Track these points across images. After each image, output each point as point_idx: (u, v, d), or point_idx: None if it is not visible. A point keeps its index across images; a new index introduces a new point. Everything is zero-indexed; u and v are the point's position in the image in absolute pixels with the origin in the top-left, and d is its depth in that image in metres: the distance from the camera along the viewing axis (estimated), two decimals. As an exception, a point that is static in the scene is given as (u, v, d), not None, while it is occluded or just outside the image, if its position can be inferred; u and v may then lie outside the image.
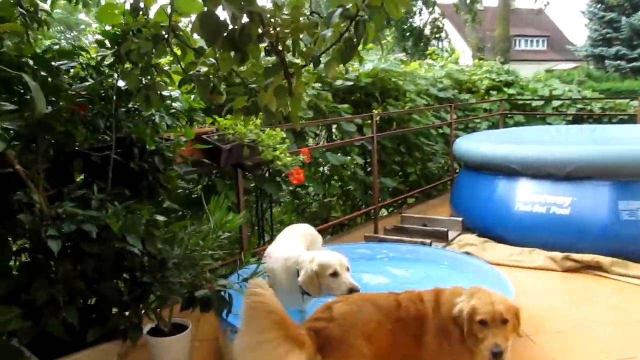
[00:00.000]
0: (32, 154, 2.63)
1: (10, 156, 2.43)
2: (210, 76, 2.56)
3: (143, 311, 2.98)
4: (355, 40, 1.82)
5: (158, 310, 3.04)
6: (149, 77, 2.68)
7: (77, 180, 3.22)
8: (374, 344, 2.43)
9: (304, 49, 1.97)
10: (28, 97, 2.41)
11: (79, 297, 2.89)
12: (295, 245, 3.74)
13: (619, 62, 35.93)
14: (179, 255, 2.92)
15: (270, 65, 2.02)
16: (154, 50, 2.49)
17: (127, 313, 2.97)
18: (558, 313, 4.10)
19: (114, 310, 2.96)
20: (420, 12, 29.25)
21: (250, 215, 7.19)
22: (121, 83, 3.08)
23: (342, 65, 1.95)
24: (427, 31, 29.12)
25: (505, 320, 2.41)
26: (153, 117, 3.40)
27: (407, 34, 29.32)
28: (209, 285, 2.91)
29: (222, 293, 2.96)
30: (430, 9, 28.50)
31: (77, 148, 3.13)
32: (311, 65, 1.99)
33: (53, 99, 2.57)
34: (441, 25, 28.94)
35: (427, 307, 2.54)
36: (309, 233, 4.09)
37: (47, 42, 3.28)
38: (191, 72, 2.53)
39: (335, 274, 3.22)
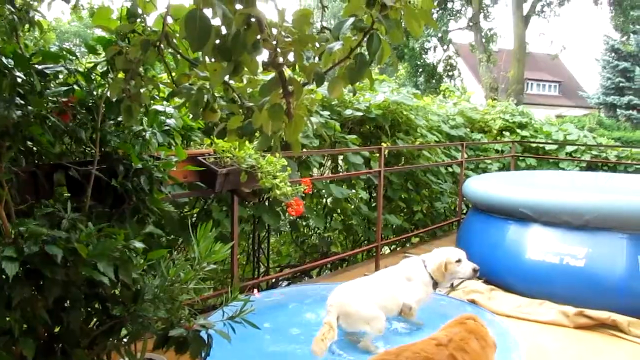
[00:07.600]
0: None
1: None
2: (204, 91, 2.30)
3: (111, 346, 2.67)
4: (367, 57, 1.55)
5: (128, 346, 2.72)
6: (133, 86, 2.40)
7: (55, 196, 2.96)
8: None
9: (307, 64, 1.68)
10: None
11: (40, 327, 2.59)
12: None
13: (630, 111, 35.98)
14: (156, 287, 2.62)
15: (267, 81, 1.75)
16: (142, 57, 2.22)
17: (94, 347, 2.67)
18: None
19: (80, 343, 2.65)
20: (434, 49, 29.24)
21: (246, 244, 6.90)
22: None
23: (349, 86, 1.67)
24: (440, 68, 29.07)
25: None
26: (143, 134, 3.15)
27: (420, 70, 29.26)
28: (186, 323, 2.59)
29: (201, 333, 2.65)
30: (445, 47, 28.45)
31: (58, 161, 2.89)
32: (314, 84, 1.70)
33: (22, 102, 2.28)
34: (455, 64, 28.90)
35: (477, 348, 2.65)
36: None
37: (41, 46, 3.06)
38: (183, 85, 2.27)
39: (459, 261, 4.40)
